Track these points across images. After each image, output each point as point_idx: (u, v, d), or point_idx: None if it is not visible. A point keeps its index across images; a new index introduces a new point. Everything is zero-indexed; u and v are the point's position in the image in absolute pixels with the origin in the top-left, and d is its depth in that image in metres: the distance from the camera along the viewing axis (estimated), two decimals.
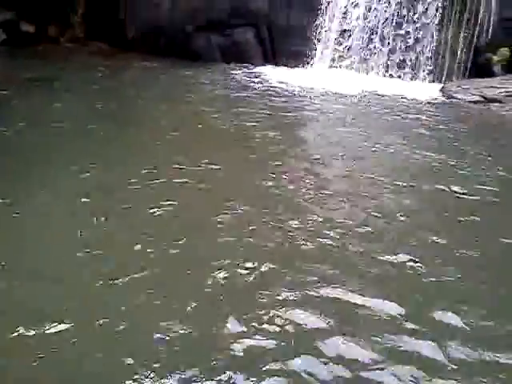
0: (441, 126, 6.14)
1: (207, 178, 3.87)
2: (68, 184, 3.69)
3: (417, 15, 9.16)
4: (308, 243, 2.95)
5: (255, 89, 7.83)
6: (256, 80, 8.63)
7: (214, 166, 4.09)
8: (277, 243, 2.96)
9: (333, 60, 9.69)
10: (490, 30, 9.12)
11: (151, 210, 3.28)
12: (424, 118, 6.57)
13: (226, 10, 10.31)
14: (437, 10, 9.02)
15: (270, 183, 3.82)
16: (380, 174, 4.16)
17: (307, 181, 3.91)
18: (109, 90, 7.17)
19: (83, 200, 3.39)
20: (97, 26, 10.69)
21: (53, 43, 9.97)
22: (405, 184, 4.04)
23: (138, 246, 2.84)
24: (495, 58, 8.90)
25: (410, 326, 2.33)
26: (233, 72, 9.28)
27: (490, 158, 4.71)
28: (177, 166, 4.04)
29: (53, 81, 7.13)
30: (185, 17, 10.38)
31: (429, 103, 7.66)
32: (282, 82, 8.46)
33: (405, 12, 9.21)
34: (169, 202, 3.38)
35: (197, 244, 2.92)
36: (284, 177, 3.98)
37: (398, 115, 6.61)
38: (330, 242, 2.96)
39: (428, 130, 5.91)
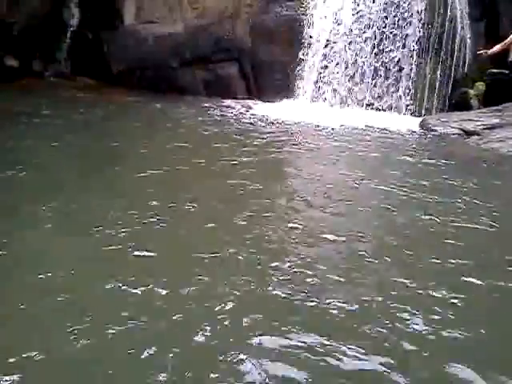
0: (423, 160, 6.22)
1: (181, 218, 3.76)
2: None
3: (396, 51, 9.45)
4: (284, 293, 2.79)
5: (237, 123, 7.91)
6: (238, 114, 8.74)
7: (189, 204, 4.00)
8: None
9: (315, 94, 9.89)
10: (466, 66, 9.43)
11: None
12: (406, 151, 6.66)
13: (210, 46, 10.52)
14: (414, 47, 9.31)
15: (249, 223, 3.69)
16: (367, 215, 4.07)
17: (287, 219, 3.82)
18: (87, 125, 7.18)
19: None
20: (82, 60, 10.82)
21: (37, 78, 10.04)
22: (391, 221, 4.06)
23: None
24: (472, 92, 9.18)
25: None
26: (216, 106, 9.39)
27: (482, 199, 4.65)
28: (151, 205, 3.93)
29: (31, 114, 7.12)
30: (169, 52, 10.56)
31: (410, 136, 7.81)
32: (264, 116, 8.58)
33: (384, 47, 9.49)
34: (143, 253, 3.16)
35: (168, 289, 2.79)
36: (264, 216, 3.86)
37: (380, 149, 6.71)
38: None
39: (410, 165, 5.98)
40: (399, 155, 6.45)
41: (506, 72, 8.83)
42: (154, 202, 3.99)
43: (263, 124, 7.96)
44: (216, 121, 8.05)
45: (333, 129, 7.90)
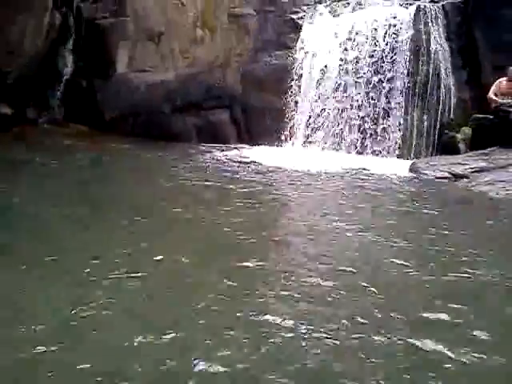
0: (416, 206, 6.28)
1: (161, 274, 3.60)
2: None
3: (384, 97, 9.74)
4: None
5: (227, 170, 7.95)
6: (228, 160, 8.79)
7: (173, 260, 3.86)
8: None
9: (305, 139, 10.09)
10: (452, 111, 9.73)
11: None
12: (398, 198, 6.74)
13: (202, 93, 10.75)
14: (402, 94, 9.61)
15: (232, 281, 3.47)
16: (359, 268, 3.91)
17: (274, 273, 3.68)
18: (78, 173, 7.16)
19: None
20: (75, 107, 10.95)
21: (31, 125, 10.11)
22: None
23: None
24: (459, 136, 9.42)
25: None
26: (207, 152, 9.49)
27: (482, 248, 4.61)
28: (132, 260, 3.79)
29: (25, 162, 7.14)
30: (161, 99, 10.75)
31: (400, 181, 7.92)
32: (254, 163, 8.66)
33: (373, 94, 9.78)
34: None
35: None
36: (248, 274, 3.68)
37: (371, 196, 6.76)
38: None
39: (404, 213, 5.95)
40: (392, 202, 6.48)
41: (490, 117, 9.10)
42: (127, 255, 3.86)
43: (253, 171, 8.00)
44: (206, 168, 8.11)
45: (324, 174, 8.01)
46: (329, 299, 3.26)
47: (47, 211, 5.09)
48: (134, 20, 11.22)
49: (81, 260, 3.72)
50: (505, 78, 9.06)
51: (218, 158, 9.06)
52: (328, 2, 11.26)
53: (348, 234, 4.86)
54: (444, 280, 3.77)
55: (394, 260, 4.12)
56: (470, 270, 3.93)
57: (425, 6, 10.04)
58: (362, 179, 7.80)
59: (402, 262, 4.09)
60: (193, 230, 4.84)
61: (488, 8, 9.53)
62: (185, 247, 4.27)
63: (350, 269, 3.84)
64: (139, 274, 3.48)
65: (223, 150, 9.74)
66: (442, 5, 10.18)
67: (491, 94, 9.03)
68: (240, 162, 8.67)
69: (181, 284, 3.45)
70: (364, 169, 8.48)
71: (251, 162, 8.74)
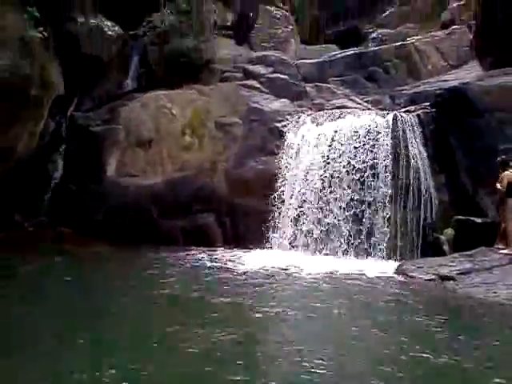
0: (403, 308, 6.21)
1: None
2: None
3: (368, 198, 9.99)
4: None
5: (212, 274, 7.90)
6: (214, 264, 8.73)
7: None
8: None
9: (290, 242, 10.15)
10: (433, 213, 9.96)
11: None
12: (385, 299, 6.68)
13: (189, 197, 10.95)
14: (384, 197, 9.89)
15: None
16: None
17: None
18: (59, 280, 7.01)
19: None
20: (63, 210, 11.04)
21: (18, 229, 10.09)
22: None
23: None
24: (442, 237, 9.57)
25: None
26: (192, 255, 9.47)
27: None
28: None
29: (10, 268, 7.03)
30: (149, 202, 10.90)
31: (387, 283, 7.88)
32: (240, 265, 8.65)
33: (357, 195, 10.04)
34: None
35: None
36: None
37: (358, 298, 6.70)
38: None
39: (391, 314, 5.90)
40: (381, 308, 6.35)
41: (471, 219, 9.32)
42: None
43: (238, 274, 7.91)
44: (190, 273, 8.03)
45: (309, 277, 7.93)
46: None
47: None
48: (125, 128, 11.73)
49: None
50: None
51: (204, 261, 9.01)
52: (310, 112, 11.93)
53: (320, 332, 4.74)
54: None
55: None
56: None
57: (401, 116, 10.66)
58: (349, 282, 7.75)
59: None
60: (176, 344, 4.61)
61: (459, 117, 10.14)
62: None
63: None
64: None
65: (209, 253, 9.71)
66: (417, 114, 10.83)
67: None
68: (225, 266, 8.59)
69: None
70: (350, 271, 8.46)
71: (236, 264, 8.71)
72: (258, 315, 5.75)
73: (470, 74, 12.52)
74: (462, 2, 16.80)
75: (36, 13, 9.72)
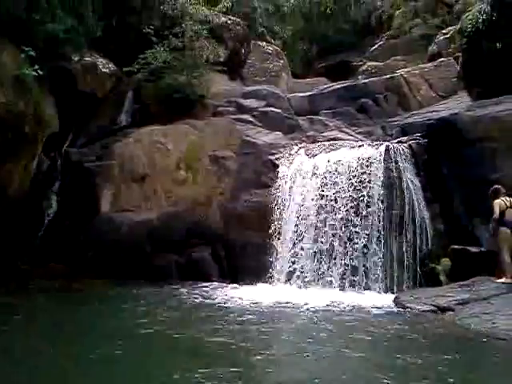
0: (407, 346, 6.05)
1: None
2: None
3: (363, 229, 9.97)
4: None
5: (208, 310, 7.81)
6: (208, 300, 8.61)
7: None
8: None
9: (287, 276, 10.05)
10: (429, 243, 9.94)
11: None
12: (386, 335, 6.56)
13: (184, 231, 10.89)
14: (379, 227, 9.88)
15: None
16: None
17: None
18: (46, 321, 6.89)
19: None
20: (56, 247, 10.93)
21: (10, 267, 9.95)
22: None
23: None
24: (439, 267, 9.52)
25: None
26: (187, 291, 9.34)
27: None
28: None
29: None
30: (144, 238, 10.83)
31: (385, 315, 7.79)
32: (236, 301, 8.53)
33: (352, 227, 10.03)
34: None
35: None
36: None
37: (358, 335, 6.55)
38: None
39: (396, 353, 5.68)
40: (384, 346, 6.20)
41: (467, 248, 9.32)
42: None
43: (235, 311, 7.75)
44: (186, 308, 7.90)
45: (307, 313, 7.83)
46: None
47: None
48: (119, 163, 11.76)
49: None
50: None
51: (200, 296, 8.87)
52: (303, 144, 12.05)
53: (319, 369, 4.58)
54: None
55: None
56: None
57: (393, 146, 10.77)
58: (348, 316, 7.65)
59: None
60: None
61: (450, 147, 10.25)
62: None
63: None
64: None
65: (205, 288, 9.59)
66: (409, 144, 10.95)
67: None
68: (221, 302, 8.46)
69: None
70: (348, 303, 8.38)
71: (233, 300, 8.58)
72: (258, 357, 5.54)
73: (459, 104, 12.77)
74: (447, 36, 17.27)
75: (31, 52, 9.84)
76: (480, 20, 11.34)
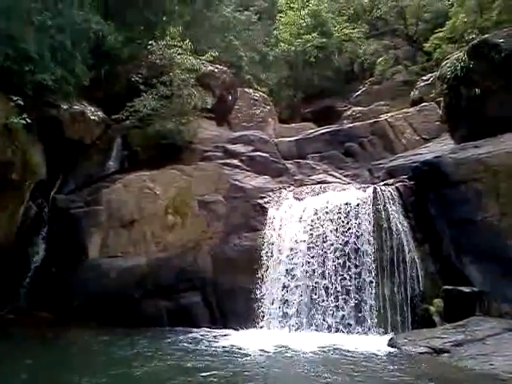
0: None
1: None
2: None
3: (354, 272, 9.91)
4: None
5: (197, 356, 7.61)
6: (198, 347, 8.39)
7: None
8: None
9: (278, 320, 9.88)
10: (421, 283, 9.90)
11: None
12: (383, 380, 6.42)
13: (173, 277, 10.73)
14: (370, 270, 9.84)
15: None
16: None
17: None
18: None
19: None
20: (42, 294, 10.68)
21: None
22: None
23: None
24: (432, 308, 9.44)
25: None
26: (177, 338, 9.10)
27: None
28: None
29: None
30: (132, 284, 10.64)
31: (380, 358, 7.67)
32: (227, 348, 8.32)
33: (342, 270, 9.96)
34: None
35: None
36: None
37: (355, 381, 6.43)
38: None
39: None
40: (372, 379, 6.11)
41: (459, 288, 9.29)
42: None
43: (226, 359, 7.51)
44: (174, 356, 7.64)
45: (300, 357, 7.67)
46: None
47: None
48: (107, 209, 11.70)
49: None
50: None
51: (189, 343, 8.64)
52: (291, 188, 12.12)
53: None
54: None
55: None
56: None
57: (381, 189, 10.88)
58: (342, 360, 7.50)
59: None
60: None
61: (436, 189, 10.38)
62: None
63: None
64: None
65: (194, 335, 9.37)
66: (396, 187, 11.07)
67: None
68: (211, 349, 8.21)
69: None
70: (342, 347, 8.23)
71: (223, 346, 8.38)
72: None
73: (442, 146, 13.05)
74: (428, 82, 17.82)
75: (20, 101, 9.93)
76: (458, 67, 11.75)
